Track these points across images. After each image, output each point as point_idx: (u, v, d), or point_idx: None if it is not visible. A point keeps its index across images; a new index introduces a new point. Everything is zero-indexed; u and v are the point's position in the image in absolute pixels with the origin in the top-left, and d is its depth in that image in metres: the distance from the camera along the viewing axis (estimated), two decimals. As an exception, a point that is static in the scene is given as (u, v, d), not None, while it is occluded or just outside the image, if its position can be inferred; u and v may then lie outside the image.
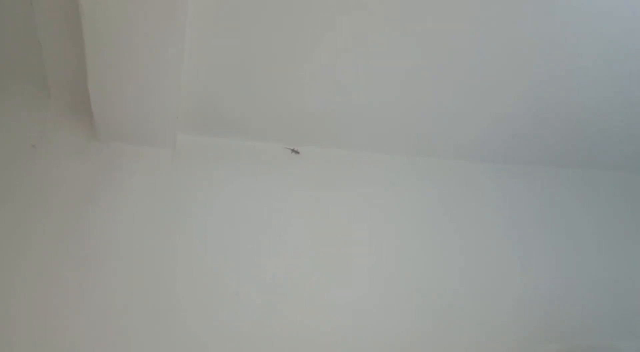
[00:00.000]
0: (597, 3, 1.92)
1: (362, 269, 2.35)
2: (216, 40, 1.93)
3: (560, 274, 2.61)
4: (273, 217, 2.33)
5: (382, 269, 2.37)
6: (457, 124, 2.49)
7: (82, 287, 1.97)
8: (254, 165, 2.39)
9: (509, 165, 2.80)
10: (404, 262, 2.41)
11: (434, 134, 2.55)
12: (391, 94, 2.26)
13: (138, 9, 1.61)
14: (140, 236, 2.11)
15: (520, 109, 2.41)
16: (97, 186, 2.13)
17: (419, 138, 2.56)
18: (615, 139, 2.70)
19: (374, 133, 2.49)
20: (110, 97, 1.95)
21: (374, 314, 2.27)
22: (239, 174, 2.35)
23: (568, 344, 2.45)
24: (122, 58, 1.78)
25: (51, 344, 1.88)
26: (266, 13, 1.85)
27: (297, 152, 2.46)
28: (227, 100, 2.21)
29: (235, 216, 2.28)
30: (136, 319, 1.99)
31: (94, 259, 2.03)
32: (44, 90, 2.16)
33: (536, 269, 2.58)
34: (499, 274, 2.52)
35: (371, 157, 2.58)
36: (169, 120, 2.11)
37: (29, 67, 2.07)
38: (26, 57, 2.04)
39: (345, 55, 2.05)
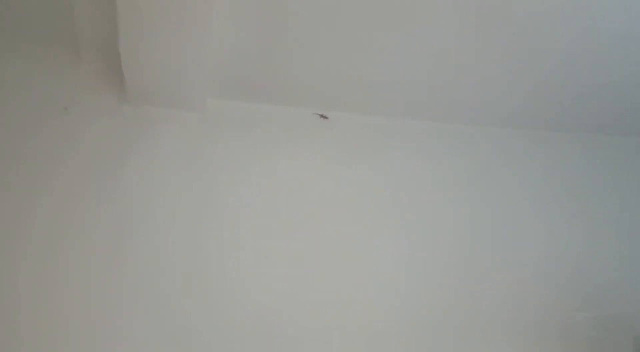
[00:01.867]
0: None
1: (392, 240, 2.36)
2: (247, 4, 1.90)
3: (586, 243, 2.61)
4: (301, 184, 2.33)
5: (413, 239, 2.39)
6: (496, 92, 2.44)
7: (110, 249, 2.02)
8: (282, 131, 2.38)
9: (547, 132, 2.76)
10: (433, 232, 2.42)
11: (472, 101, 2.51)
12: (430, 60, 2.21)
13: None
14: (169, 198, 2.14)
15: (561, 76, 2.35)
16: (126, 148, 2.15)
17: (457, 105, 2.52)
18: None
19: (410, 99, 2.45)
20: (141, 59, 1.94)
21: (407, 287, 2.31)
22: (267, 139, 2.35)
23: (594, 312, 2.46)
24: (153, 21, 1.76)
25: (73, 306, 1.93)
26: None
27: (325, 117, 2.45)
28: (257, 65, 2.19)
29: (263, 182, 2.29)
30: (163, 282, 2.03)
31: (123, 219, 2.07)
32: (75, 52, 2.16)
33: (561, 239, 2.58)
34: (527, 242, 2.53)
35: (406, 124, 2.56)
36: (199, 84, 2.10)
37: (60, 29, 2.06)
38: (58, 20, 2.03)
39: (382, 18, 1.99)
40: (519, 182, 2.63)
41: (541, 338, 2.39)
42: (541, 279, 2.48)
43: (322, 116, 2.45)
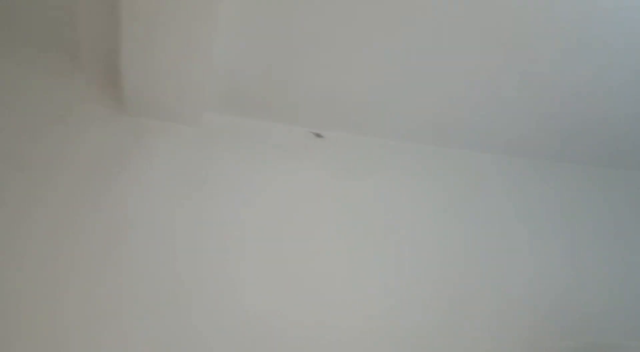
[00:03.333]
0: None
1: (382, 259, 2.37)
2: (248, 21, 1.91)
3: (576, 271, 2.63)
4: (293, 202, 2.33)
5: (402, 260, 2.39)
6: (497, 119, 2.48)
7: (103, 259, 2.00)
8: (278, 148, 2.39)
9: (545, 161, 2.81)
10: (422, 254, 2.43)
11: (471, 127, 2.54)
12: (429, 85, 2.25)
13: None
14: (163, 209, 2.13)
15: (569, 109, 2.40)
16: (122, 158, 2.14)
17: (455, 130, 2.56)
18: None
19: (407, 122, 2.48)
20: (141, 71, 1.94)
21: (393, 307, 2.31)
22: (262, 155, 2.36)
23: (581, 341, 2.47)
24: (155, 34, 1.78)
25: (72, 313, 1.91)
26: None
27: (320, 136, 2.46)
28: (255, 81, 2.20)
29: (256, 197, 2.29)
30: (156, 293, 2.02)
31: (117, 230, 2.05)
32: (74, 60, 2.16)
33: (551, 266, 2.60)
34: (516, 269, 2.55)
35: (401, 146, 2.59)
36: (197, 98, 2.11)
37: (60, 36, 2.07)
38: (58, 27, 2.03)
39: (381, 41, 2.03)
40: (513, 209, 2.66)
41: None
42: (529, 305, 2.49)
43: (317, 135, 2.46)
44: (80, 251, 1.98)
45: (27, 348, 1.84)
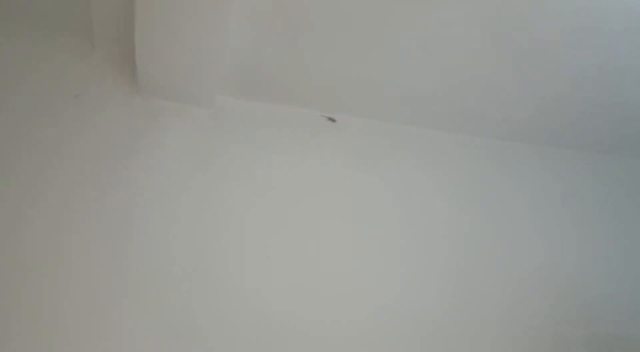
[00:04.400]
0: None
1: (389, 245, 2.36)
2: (263, 3, 1.91)
3: (586, 259, 2.61)
4: (302, 188, 2.33)
5: (414, 248, 2.39)
6: (504, 104, 2.45)
7: (116, 238, 2.01)
8: (290, 131, 2.39)
9: (552, 147, 2.78)
10: (432, 242, 2.42)
11: (482, 113, 2.52)
12: (440, 69, 2.23)
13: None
14: (174, 191, 2.14)
15: (572, 94, 2.37)
16: (135, 140, 2.15)
17: (464, 115, 2.54)
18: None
19: (418, 107, 2.46)
20: (155, 52, 1.95)
21: (404, 296, 2.30)
22: (274, 139, 2.35)
23: (593, 330, 2.47)
24: (170, 15, 1.78)
25: (86, 293, 1.92)
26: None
27: (333, 121, 2.45)
28: (269, 65, 2.20)
29: (267, 180, 2.28)
30: (168, 274, 2.03)
31: (129, 210, 2.06)
32: (89, 41, 2.16)
33: (560, 254, 2.59)
34: (524, 255, 2.53)
35: (411, 131, 2.57)
36: (210, 81, 2.11)
37: (75, 17, 2.07)
38: (73, 7, 2.04)
39: (395, 26, 2.01)
40: (520, 196, 2.64)
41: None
42: (538, 293, 2.48)
43: (330, 119, 2.45)
44: (84, 233, 1.98)
45: (26, 340, 1.82)
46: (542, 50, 2.13)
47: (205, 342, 1.99)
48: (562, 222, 2.65)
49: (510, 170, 2.68)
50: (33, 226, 1.93)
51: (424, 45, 2.11)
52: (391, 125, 2.54)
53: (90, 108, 2.12)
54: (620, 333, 2.51)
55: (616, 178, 2.84)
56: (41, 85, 2.09)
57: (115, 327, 1.91)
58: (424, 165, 2.53)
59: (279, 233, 2.23)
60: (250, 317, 2.06)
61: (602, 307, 2.54)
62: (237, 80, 2.27)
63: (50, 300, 1.87)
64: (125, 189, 2.08)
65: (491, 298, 2.41)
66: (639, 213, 2.80)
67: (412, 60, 2.19)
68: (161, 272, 2.02)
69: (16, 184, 1.96)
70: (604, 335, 2.48)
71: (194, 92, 2.18)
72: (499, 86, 2.34)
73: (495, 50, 2.13)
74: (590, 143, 2.77)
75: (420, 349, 2.24)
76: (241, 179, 2.25)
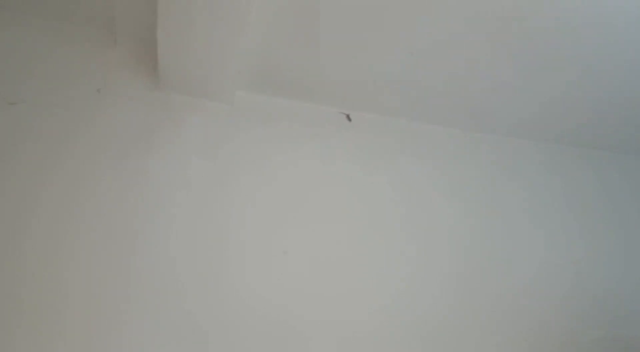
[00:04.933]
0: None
1: (395, 242, 2.37)
2: (281, 2, 1.93)
3: (608, 263, 2.63)
4: (319, 181, 2.36)
5: (416, 246, 2.40)
6: (514, 101, 2.46)
7: (136, 233, 2.04)
8: (306, 127, 2.41)
9: (562, 146, 2.79)
10: (437, 237, 2.44)
11: (488, 110, 2.54)
12: (455, 65, 2.24)
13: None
14: (195, 186, 2.17)
15: (576, 91, 2.38)
16: (155, 134, 2.18)
17: (470, 113, 2.56)
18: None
19: (429, 104, 2.48)
20: (177, 48, 1.97)
21: (408, 296, 2.31)
22: (291, 134, 2.38)
23: (610, 332, 2.47)
24: (192, 11, 1.79)
25: (103, 290, 1.94)
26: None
27: (349, 119, 2.47)
28: (287, 61, 2.22)
29: (283, 176, 2.31)
30: (186, 269, 2.06)
31: (149, 204, 2.09)
32: (111, 35, 2.19)
33: (581, 256, 2.60)
34: (526, 254, 2.54)
35: (420, 128, 2.60)
36: (230, 76, 2.13)
37: (98, 11, 2.10)
38: (97, 3, 2.06)
39: (406, 23, 2.02)
40: (523, 194, 2.66)
41: None
42: (538, 291, 2.49)
43: (347, 116, 2.47)
44: (108, 225, 2.01)
45: (29, 339, 1.84)
46: (545, 49, 2.14)
47: (206, 341, 2.01)
48: (564, 220, 2.66)
49: (513, 168, 2.69)
50: (42, 221, 1.95)
51: (434, 43, 2.12)
52: (401, 122, 2.57)
53: (112, 102, 2.16)
54: (623, 333, 2.52)
55: (619, 176, 2.85)
56: (64, 79, 2.12)
57: (119, 324, 1.93)
58: (428, 162, 2.56)
59: (291, 228, 2.25)
60: (251, 317, 2.08)
61: (605, 307, 2.55)
62: (255, 77, 2.29)
63: (53, 299, 1.89)
64: (144, 182, 2.11)
65: (493, 298, 2.42)
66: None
67: (424, 58, 2.20)
68: (170, 269, 2.04)
69: (33, 176, 1.99)
70: (608, 336, 2.49)
71: (213, 88, 2.20)
72: (504, 84, 2.35)
73: (501, 47, 2.13)
74: (593, 141, 2.78)
75: (422, 349, 2.26)
76: (258, 173, 2.27)
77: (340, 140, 2.45)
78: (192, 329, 2.00)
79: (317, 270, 2.22)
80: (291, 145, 2.37)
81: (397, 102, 2.47)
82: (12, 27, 2.12)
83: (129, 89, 2.19)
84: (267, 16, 1.98)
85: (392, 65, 2.25)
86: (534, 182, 2.69)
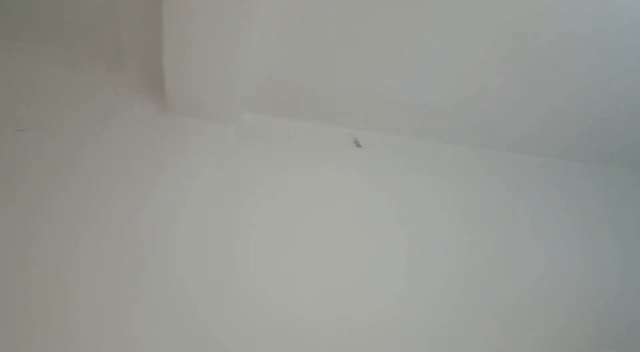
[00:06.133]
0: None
1: (399, 259, 2.36)
2: (287, 22, 1.92)
3: (610, 276, 2.59)
4: (327, 201, 2.35)
5: (430, 260, 2.39)
6: (519, 116, 2.45)
7: (143, 256, 2.04)
8: (314, 148, 2.41)
9: (565, 161, 2.80)
10: (448, 254, 2.42)
11: (491, 126, 2.52)
12: (453, 83, 2.23)
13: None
14: (203, 209, 2.16)
15: (576, 105, 2.36)
16: (163, 157, 2.18)
17: (475, 129, 2.54)
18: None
19: (434, 122, 2.47)
20: (183, 71, 1.97)
21: (416, 308, 2.30)
22: (298, 155, 2.38)
23: (598, 340, 2.44)
24: (197, 35, 1.80)
25: (112, 311, 1.94)
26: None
27: (359, 145, 2.45)
28: (294, 83, 2.21)
29: (291, 196, 2.30)
30: (195, 290, 2.04)
31: (158, 227, 2.08)
32: (118, 60, 2.20)
33: (583, 270, 2.58)
34: (545, 274, 2.52)
35: (426, 146, 2.60)
36: (237, 98, 2.13)
37: (104, 36, 2.11)
38: (102, 27, 2.07)
39: (410, 44, 2.01)
40: (528, 208, 2.64)
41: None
42: (539, 304, 2.46)
43: (356, 142, 2.45)
44: (118, 247, 2.02)
45: (38, 344, 1.85)
46: (547, 66, 2.12)
47: (208, 340, 2.01)
48: (566, 234, 2.64)
49: (518, 183, 2.68)
50: (50, 242, 1.96)
51: (440, 62, 2.11)
52: (407, 140, 2.57)
53: (120, 127, 2.17)
54: (625, 340, 2.48)
55: (621, 190, 2.83)
56: (72, 105, 2.14)
57: (127, 331, 1.94)
58: (434, 178, 2.54)
59: (298, 244, 2.25)
60: (257, 319, 2.08)
61: (606, 319, 2.50)
62: (262, 98, 2.29)
63: (61, 305, 1.91)
64: (153, 205, 2.11)
65: (495, 310, 2.39)
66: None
67: (431, 75, 2.19)
68: (180, 282, 2.04)
69: (42, 197, 2.00)
70: (609, 345, 2.45)
71: (220, 111, 2.20)
72: (510, 100, 2.33)
73: (506, 65, 2.13)
74: (594, 155, 2.76)
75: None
76: (264, 193, 2.27)
77: (348, 159, 2.44)
78: (201, 338, 2.00)
79: (326, 292, 2.21)
80: (298, 165, 2.36)
81: (403, 120, 2.46)
82: (21, 55, 2.14)
83: (136, 113, 2.20)
84: (274, 38, 1.98)
85: (397, 84, 2.23)
86: (538, 197, 2.67)
